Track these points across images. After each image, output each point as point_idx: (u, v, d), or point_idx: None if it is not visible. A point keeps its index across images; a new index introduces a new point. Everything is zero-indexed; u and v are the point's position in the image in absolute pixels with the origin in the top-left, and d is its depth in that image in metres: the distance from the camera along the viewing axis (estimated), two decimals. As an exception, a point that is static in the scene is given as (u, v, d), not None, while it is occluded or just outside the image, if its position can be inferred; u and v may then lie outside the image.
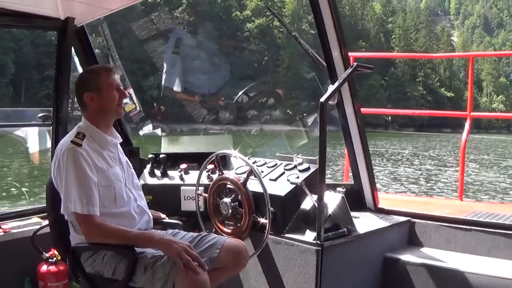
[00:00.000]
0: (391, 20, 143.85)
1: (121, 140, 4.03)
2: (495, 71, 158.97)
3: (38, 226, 4.98)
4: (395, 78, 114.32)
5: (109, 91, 3.81)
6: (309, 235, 4.36)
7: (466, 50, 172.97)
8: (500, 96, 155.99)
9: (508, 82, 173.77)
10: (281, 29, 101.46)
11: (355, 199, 5.31)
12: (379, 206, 5.42)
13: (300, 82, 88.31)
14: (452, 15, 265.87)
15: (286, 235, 4.47)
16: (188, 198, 5.13)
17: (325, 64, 4.85)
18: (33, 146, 7.14)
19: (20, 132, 7.46)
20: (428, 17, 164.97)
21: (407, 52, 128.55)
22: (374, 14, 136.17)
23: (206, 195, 4.77)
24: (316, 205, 4.27)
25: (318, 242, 4.20)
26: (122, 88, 3.93)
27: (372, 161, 5.36)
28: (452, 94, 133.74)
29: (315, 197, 4.35)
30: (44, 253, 4.91)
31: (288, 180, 4.71)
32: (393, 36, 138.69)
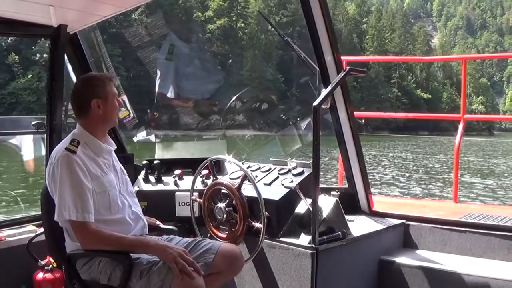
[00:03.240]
0: (366, 21, 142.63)
1: (116, 147, 4.03)
2: (475, 72, 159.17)
3: (33, 234, 4.98)
4: (368, 79, 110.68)
5: (113, 100, 3.85)
6: (304, 239, 4.37)
7: (445, 50, 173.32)
8: (480, 97, 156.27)
9: (489, 83, 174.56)
10: (245, 30, 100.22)
11: (350, 202, 5.33)
12: (374, 209, 5.43)
13: (265, 85, 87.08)
14: (434, 16, 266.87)
15: (281, 239, 4.48)
16: (183, 203, 5.13)
17: (317, 69, 4.86)
18: (28, 154, 7.14)
19: (14, 140, 7.45)
20: (404, 17, 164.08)
21: (381, 53, 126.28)
22: (346, 13, 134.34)
23: (201, 200, 4.77)
24: (311, 209, 4.28)
25: (313, 245, 4.21)
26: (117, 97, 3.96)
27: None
28: (429, 96, 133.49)
29: (309, 201, 4.36)
30: (39, 260, 4.92)
31: (282, 185, 4.72)
32: (367, 37, 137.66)
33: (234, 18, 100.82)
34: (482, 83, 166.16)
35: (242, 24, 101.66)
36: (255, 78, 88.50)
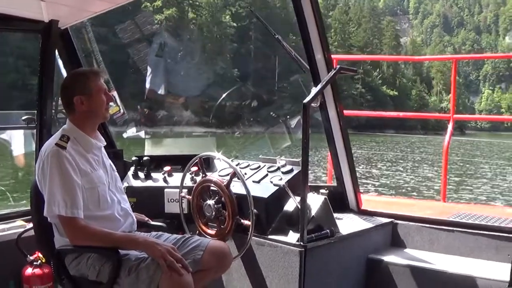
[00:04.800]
0: (331, 15, 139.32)
1: (105, 143, 4.04)
2: (446, 69, 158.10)
3: (22, 229, 4.97)
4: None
5: (98, 95, 3.82)
6: (292, 237, 4.39)
7: (416, 47, 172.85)
8: (451, 95, 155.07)
9: (461, 81, 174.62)
10: (196, 21, 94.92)
11: (338, 200, 5.34)
12: (362, 207, 5.45)
13: (213, 79, 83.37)
14: (411, 14, 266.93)
15: (270, 236, 4.49)
16: (172, 200, 5.13)
17: (308, 67, 4.87)
18: (18, 149, 7.13)
19: (4, 135, 7.43)
20: (372, 11, 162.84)
21: (344, 48, 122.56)
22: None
23: (190, 197, 4.77)
24: (299, 207, 4.29)
25: (301, 243, 4.22)
26: (107, 91, 3.95)
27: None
28: (396, 93, 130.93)
29: (298, 199, 4.37)
30: (28, 256, 4.91)
31: (271, 182, 4.72)
32: (331, 31, 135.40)
33: (186, 9, 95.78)
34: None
35: (194, 15, 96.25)
36: (203, 72, 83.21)
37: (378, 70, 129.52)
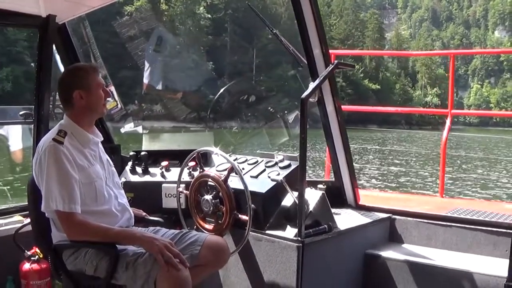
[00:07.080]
0: None
1: (102, 139, 4.03)
2: (431, 62, 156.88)
3: (20, 225, 4.96)
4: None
5: (97, 90, 3.84)
6: (290, 232, 4.38)
7: (400, 41, 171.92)
8: (435, 89, 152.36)
9: (447, 74, 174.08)
10: (166, 13, 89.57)
11: (336, 196, 5.34)
12: (360, 203, 5.44)
13: (186, 73, 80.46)
14: (400, 8, 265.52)
15: (267, 231, 4.49)
16: (170, 195, 5.12)
17: (305, 62, 4.87)
18: (15, 144, 7.11)
19: (2, 130, 7.42)
20: (355, 3, 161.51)
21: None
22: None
23: (187, 192, 4.76)
24: (297, 202, 4.28)
25: (299, 238, 4.21)
26: (105, 87, 3.95)
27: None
28: (378, 87, 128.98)
29: (296, 194, 4.36)
30: (26, 251, 4.90)
31: (269, 177, 4.71)
32: None
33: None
34: (439, 74, 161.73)
35: (166, 6, 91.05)
36: (173, 66, 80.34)
37: (360, 63, 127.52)
